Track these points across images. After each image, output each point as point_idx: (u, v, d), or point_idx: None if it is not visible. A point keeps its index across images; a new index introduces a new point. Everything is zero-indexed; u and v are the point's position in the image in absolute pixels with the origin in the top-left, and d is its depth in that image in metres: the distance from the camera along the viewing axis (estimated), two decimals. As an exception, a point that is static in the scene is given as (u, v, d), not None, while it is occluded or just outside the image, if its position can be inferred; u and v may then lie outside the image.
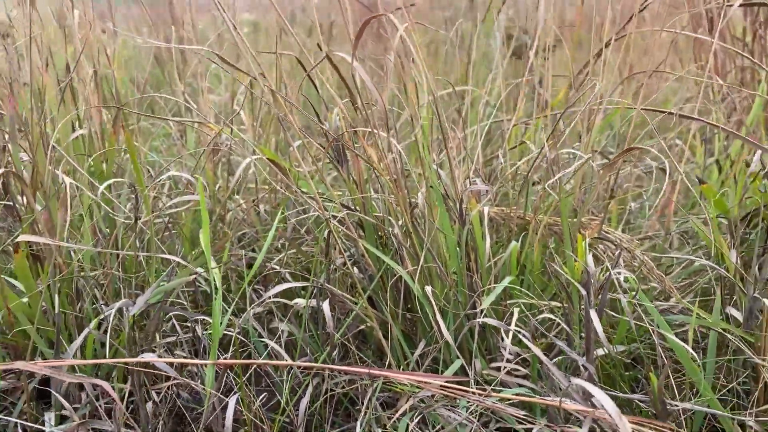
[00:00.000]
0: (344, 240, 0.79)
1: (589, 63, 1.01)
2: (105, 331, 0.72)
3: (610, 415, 0.50)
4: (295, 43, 0.74)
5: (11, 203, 0.67)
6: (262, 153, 0.88)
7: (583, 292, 0.62)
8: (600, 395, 0.52)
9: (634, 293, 0.67)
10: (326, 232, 0.77)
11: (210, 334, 0.70)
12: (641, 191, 1.06)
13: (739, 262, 0.80)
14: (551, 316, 0.71)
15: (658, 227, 0.94)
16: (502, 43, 1.29)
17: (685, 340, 0.75)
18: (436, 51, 2.80)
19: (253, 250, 1.01)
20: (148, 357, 0.61)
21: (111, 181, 0.75)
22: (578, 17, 1.10)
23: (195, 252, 0.92)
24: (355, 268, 0.79)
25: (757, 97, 1.01)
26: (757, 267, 0.76)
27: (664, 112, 0.86)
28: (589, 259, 0.64)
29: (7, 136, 0.68)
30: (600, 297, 0.64)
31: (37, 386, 0.72)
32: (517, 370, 0.73)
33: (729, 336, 0.74)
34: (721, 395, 0.75)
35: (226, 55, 0.78)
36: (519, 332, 0.65)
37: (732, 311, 0.78)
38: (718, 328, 0.75)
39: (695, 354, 0.77)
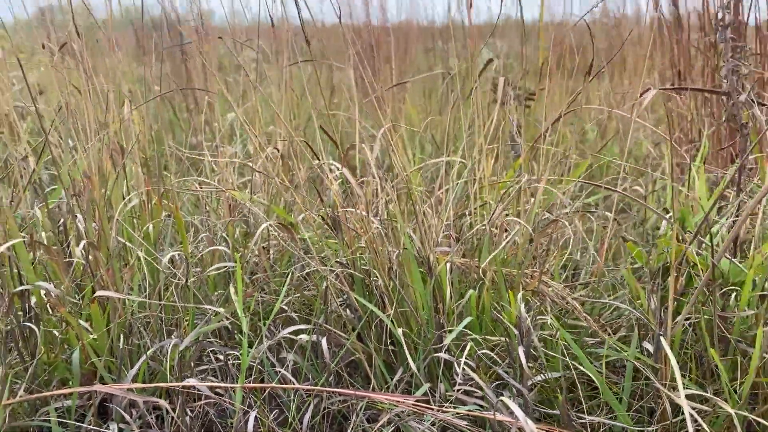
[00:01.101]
0: (338, 289, 1.02)
1: (542, 136, 1.25)
2: (152, 360, 0.95)
3: (522, 420, 0.72)
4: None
5: (86, 263, 0.90)
6: (275, 212, 1.12)
7: (516, 332, 0.85)
8: (514, 407, 0.74)
9: (556, 332, 0.89)
10: (324, 283, 1.00)
11: (236, 363, 0.93)
12: (584, 246, 1.29)
13: (655, 304, 1.02)
14: (491, 353, 0.93)
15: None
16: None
17: (610, 368, 0.97)
18: (429, 94, 3.06)
19: (262, 289, 1.24)
20: (192, 381, 0.84)
21: (171, 253, 0.98)
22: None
23: (218, 292, 1.15)
24: (347, 310, 1.02)
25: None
26: (661, 311, 0.98)
27: (593, 184, 1.10)
28: (522, 308, 0.87)
29: (81, 214, 0.91)
30: (529, 336, 0.86)
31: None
32: (475, 391, 0.96)
33: (639, 365, 0.96)
34: (634, 411, 0.97)
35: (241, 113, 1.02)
36: (468, 364, 0.88)
37: (646, 345, 1.00)
38: (633, 358, 0.97)
39: (614, 377, 0.99)
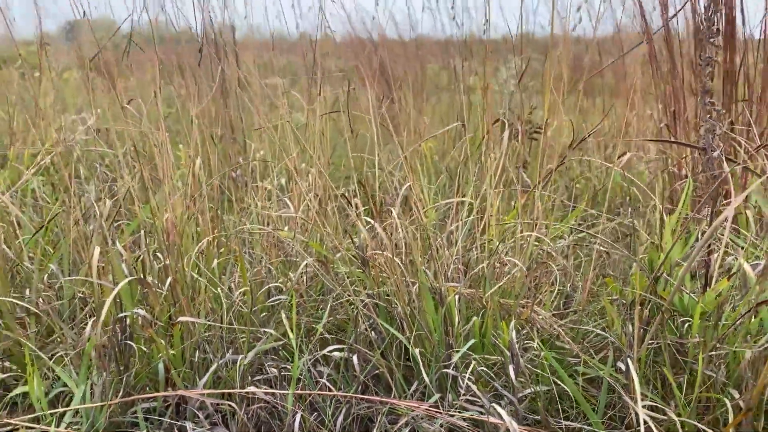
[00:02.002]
0: (366, 314, 1.28)
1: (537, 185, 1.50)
2: (215, 371, 1.21)
3: (508, 423, 0.97)
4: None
5: (171, 294, 1.16)
6: (313, 248, 1.38)
7: (508, 354, 1.09)
8: (503, 413, 0.98)
9: (542, 353, 1.13)
10: (355, 310, 1.25)
11: (284, 374, 1.19)
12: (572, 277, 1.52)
13: (627, 331, 1.25)
14: (489, 371, 1.17)
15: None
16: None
17: (591, 384, 1.20)
18: (447, 119, 3.30)
19: (299, 312, 1.49)
20: (252, 389, 1.10)
21: (230, 284, 1.24)
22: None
23: (266, 313, 1.40)
24: (373, 333, 1.27)
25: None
26: (632, 335, 1.21)
27: (583, 231, 1.34)
28: (513, 334, 1.11)
29: (163, 255, 1.17)
30: (517, 357, 1.10)
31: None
32: (476, 400, 1.20)
33: (611, 381, 1.19)
34: (608, 419, 1.20)
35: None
36: (470, 379, 1.12)
37: (620, 364, 1.23)
38: (608, 375, 1.20)
39: (594, 391, 1.22)
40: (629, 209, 2.27)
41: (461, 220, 1.52)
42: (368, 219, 1.26)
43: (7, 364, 1.25)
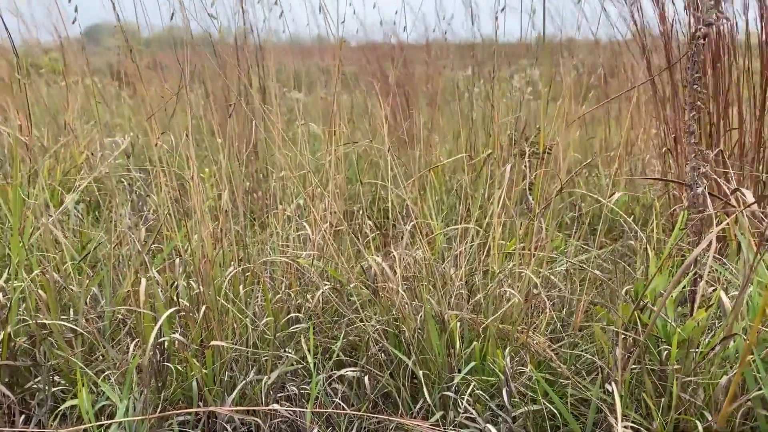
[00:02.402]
0: (377, 338, 1.42)
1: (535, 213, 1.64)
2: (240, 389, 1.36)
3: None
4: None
5: (204, 319, 1.32)
6: (330, 273, 1.53)
7: (502, 378, 1.23)
8: (493, 430, 1.12)
9: (536, 375, 1.27)
10: (366, 335, 1.40)
11: (303, 392, 1.34)
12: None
13: (614, 356, 1.38)
14: (485, 394, 1.32)
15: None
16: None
17: (582, 404, 1.34)
18: (458, 136, 3.44)
19: (316, 332, 1.64)
20: (275, 406, 1.25)
21: (254, 310, 1.40)
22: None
23: (286, 332, 1.55)
24: (382, 355, 1.42)
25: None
26: (617, 360, 1.34)
27: (582, 267, 1.47)
28: (507, 360, 1.25)
29: (196, 283, 1.33)
30: (509, 381, 1.25)
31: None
32: (475, 418, 1.34)
33: (598, 402, 1.32)
34: (594, 437, 1.34)
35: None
36: (468, 400, 1.26)
37: (607, 386, 1.37)
38: (596, 397, 1.34)
39: (584, 410, 1.36)
40: (631, 230, 2.39)
41: (467, 244, 1.66)
42: (377, 249, 1.41)
43: (57, 378, 1.42)
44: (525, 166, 2.25)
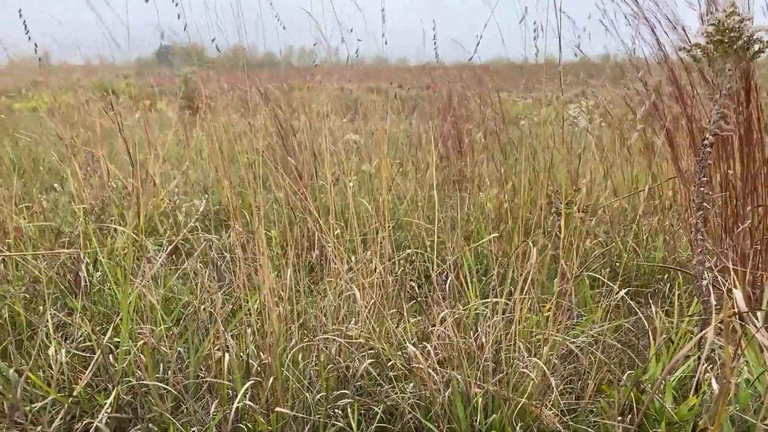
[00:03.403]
0: (409, 409, 1.72)
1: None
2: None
3: None
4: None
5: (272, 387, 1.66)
6: (376, 345, 1.85)
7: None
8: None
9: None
10: (402, 404, 1.70)
11: None
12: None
13: None
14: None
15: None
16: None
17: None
18: (506, 180, 3.69)
19: (360, 394, 1.96)
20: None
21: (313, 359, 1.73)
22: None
23: (336, 393, 1.88)
24: (415, 421, 1.71)
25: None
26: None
27: (596, 352, 1.72)
28: (518, 436, 1.52)
29: (263, 353, 1.67)
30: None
31: None
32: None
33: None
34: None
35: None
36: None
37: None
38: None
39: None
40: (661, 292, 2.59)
41: (497, 316, 1.93)
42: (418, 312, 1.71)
43: (151, 426, 1.79)
44: (556, 230, 2.50)
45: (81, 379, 1.77)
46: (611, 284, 2.10)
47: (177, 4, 1.92)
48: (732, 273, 1.87)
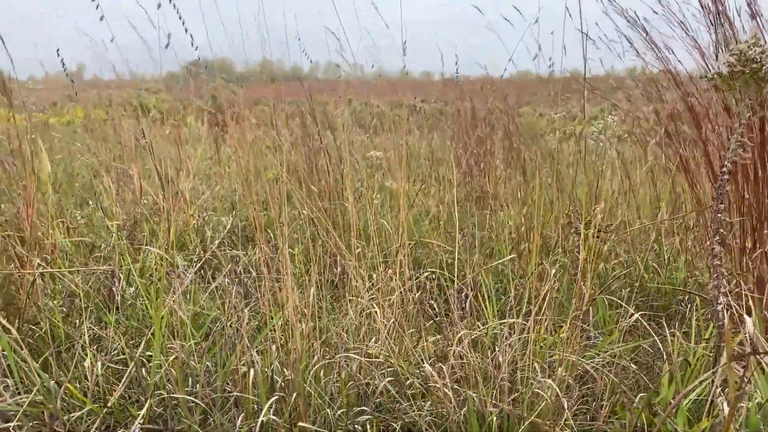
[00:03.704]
0: (426, 427, 1.79)
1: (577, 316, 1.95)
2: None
3: None
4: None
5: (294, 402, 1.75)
6: (396, 364, 1.92)
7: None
8: None
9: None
10: (419, 422, 1.77)
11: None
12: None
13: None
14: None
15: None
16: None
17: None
18: (524, 200, 3.73)
19: (380, 411, 2.03)
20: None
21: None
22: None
23: (357, 410, 1.96)
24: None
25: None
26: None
27: (608, 375, 1.77)
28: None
29: (286, 369, 1.77)
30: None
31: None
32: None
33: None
34: None
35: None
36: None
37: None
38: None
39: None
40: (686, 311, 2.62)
41: (514, 336, 1.99)
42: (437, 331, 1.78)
43: (180, 438, 1.89)
44: (576, 250, 2.55)
45: (115, 391, 1.88)
46: (626, 306, 2.14)
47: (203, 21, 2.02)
48: (748, 297, 1.91)
